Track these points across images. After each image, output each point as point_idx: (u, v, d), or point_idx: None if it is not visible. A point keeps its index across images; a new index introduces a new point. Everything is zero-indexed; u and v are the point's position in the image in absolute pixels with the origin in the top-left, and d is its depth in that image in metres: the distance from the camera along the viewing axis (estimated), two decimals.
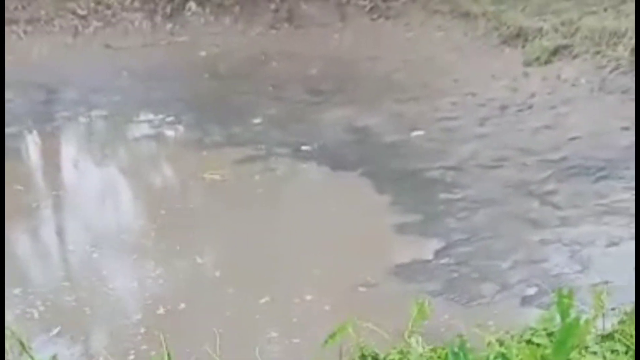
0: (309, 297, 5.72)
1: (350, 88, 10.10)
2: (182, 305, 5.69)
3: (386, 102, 9.52)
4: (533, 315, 4.83)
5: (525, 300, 5.57)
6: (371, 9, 12.43)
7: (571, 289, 2.86)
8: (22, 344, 2.60)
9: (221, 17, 12.53)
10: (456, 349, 2.86)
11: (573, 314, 2.82)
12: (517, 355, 3.36)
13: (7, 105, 10.14)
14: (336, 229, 6.69)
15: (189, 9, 12.62)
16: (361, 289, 5.78)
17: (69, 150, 9.31)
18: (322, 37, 11.83)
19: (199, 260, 6.37)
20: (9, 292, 5.98)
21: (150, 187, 8.21)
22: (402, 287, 5.78)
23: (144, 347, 5.18)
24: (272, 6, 12.57)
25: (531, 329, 3.92)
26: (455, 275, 5.94)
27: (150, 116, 9.68)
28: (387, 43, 11.50)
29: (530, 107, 9.00)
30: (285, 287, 5.87)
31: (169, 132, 9.34)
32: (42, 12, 12.50)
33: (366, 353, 3.60)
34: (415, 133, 8.63)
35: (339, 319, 3.50)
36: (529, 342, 3.71)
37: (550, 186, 7.16)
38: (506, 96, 9.27)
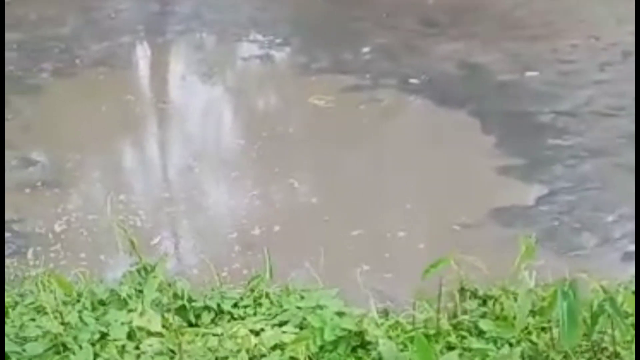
0: (401, 234, 5.68)
1: (467, 22, 9.77)
2: (277, 228, 5.75)
3: (503, 39, 9.17)
4: (634, 272, 4.64)
5: (628, 256, 5.38)
6: None
7: None
8: (132, 242, 2.65)
9: None
10: (566, 289, 2.78)
11: None
12: (622, 303, 3.25)
13: (122, 14, 10.34)
14: (436, 166, 6.57)
15: None
16: (456, 227, 5.68)
17: (178, 65, 9.43)
18: None
19: (296, 185, 6.40)
20: (115, 198, 6.18)
21: (254, 108, 8.25)
22: (499, 230, 5.66)
23: (237, 265, 5.28)
24: None
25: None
26: (556, 223, 5.77)
27: (260, 37, 9.66)
28: None
29: None
30: (379, 221, 5.83)
31: (277, 54, 9.31)
32: None
33: (466, 287, 3.55)
34: (529, 74, 8.31)
35: (430, 258, 3.45)
36: (634, 292, 3.56)
37: None
38: (631, 42, 8.77)
